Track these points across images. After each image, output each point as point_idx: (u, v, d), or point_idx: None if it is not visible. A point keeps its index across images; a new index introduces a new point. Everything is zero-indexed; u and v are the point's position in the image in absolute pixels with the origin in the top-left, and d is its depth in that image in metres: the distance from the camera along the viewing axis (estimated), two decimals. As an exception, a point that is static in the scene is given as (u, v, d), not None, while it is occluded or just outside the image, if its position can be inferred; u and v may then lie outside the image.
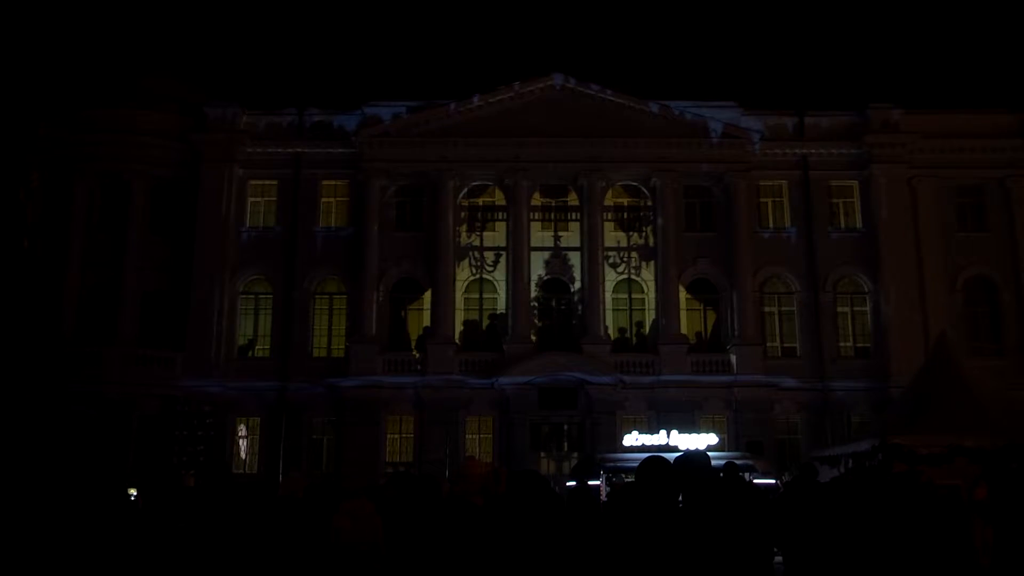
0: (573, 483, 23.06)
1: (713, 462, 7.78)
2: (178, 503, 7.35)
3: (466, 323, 34.82)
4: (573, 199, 35.22)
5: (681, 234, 34.36)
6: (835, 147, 34.95)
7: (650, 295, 34.59)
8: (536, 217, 35.10)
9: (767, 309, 34.65)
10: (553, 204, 35.49)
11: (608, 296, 34.38)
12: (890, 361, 32.67)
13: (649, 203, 34.97)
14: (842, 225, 35.08)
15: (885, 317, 33.43)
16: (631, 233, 35.10)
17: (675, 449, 25.59)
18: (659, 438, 28.03)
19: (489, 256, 34.89)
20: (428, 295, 34.18)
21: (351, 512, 7.06)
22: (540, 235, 35.07)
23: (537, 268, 34.68)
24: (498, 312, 34.64)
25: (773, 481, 22.90)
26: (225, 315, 33.78)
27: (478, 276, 34.89)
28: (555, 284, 34.92)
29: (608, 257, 34.54)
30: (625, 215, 35.40)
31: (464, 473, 6.63)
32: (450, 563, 5.37)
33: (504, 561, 4.95)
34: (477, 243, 35.05)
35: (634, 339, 34.56)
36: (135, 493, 12.15)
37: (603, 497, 21.31)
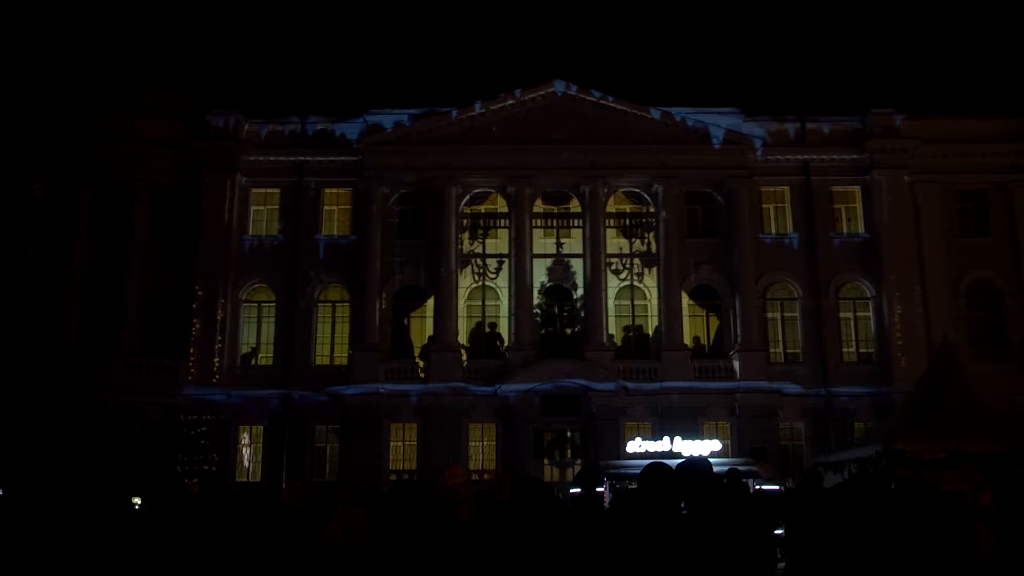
0: (577, 491, 23.04)
1: (716, 468, 7.77)
2: (182, 512, 7.32)
3: (469, 330, 34.82)
4: (575, 206, 35.25)
5: (683, 240, 34.36)
6: (837, 152, 34.99)
7: (652, 301, 34.59)
8: (538, 224, 35.14)
9: (770, 315, 34.64)
10: (555, 211, 35.53)
11: (611, 303, 34.39)
12: (893, 366, 32.65)
13: (651, 209, 34.99)
14: (844, 230, 35.08)
15: (888, 322, 33.41)
16: (633, 239, 35.12)
17: (678, 456, 25.53)
18: (662, 445, 27.98)
19: (491, 263, 34.92)
20: (431, 302, 34.18)
21: (343, 520, 7.05)
22: (542, 242, 35.10)
23: (539, 275, 34.69)
24: (500, 319, 34.65)
25: (777, 487, 22.84)
26: (228, 323, 33.80)
27: (480, 283, 34.90)
28: (557, 291, 34.93)
29: (610, 264, 34.56)
30: (627, 221, 35.42)
31: (446, 485, 6.61)
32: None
33: (501, 570, 4.93)
34: (479, 250, 35.07)
35: (636, 345, 34.53)
36: (139, 502, 12.10)
37: (606, 504, 21.25)
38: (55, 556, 6.92)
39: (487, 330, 34.84)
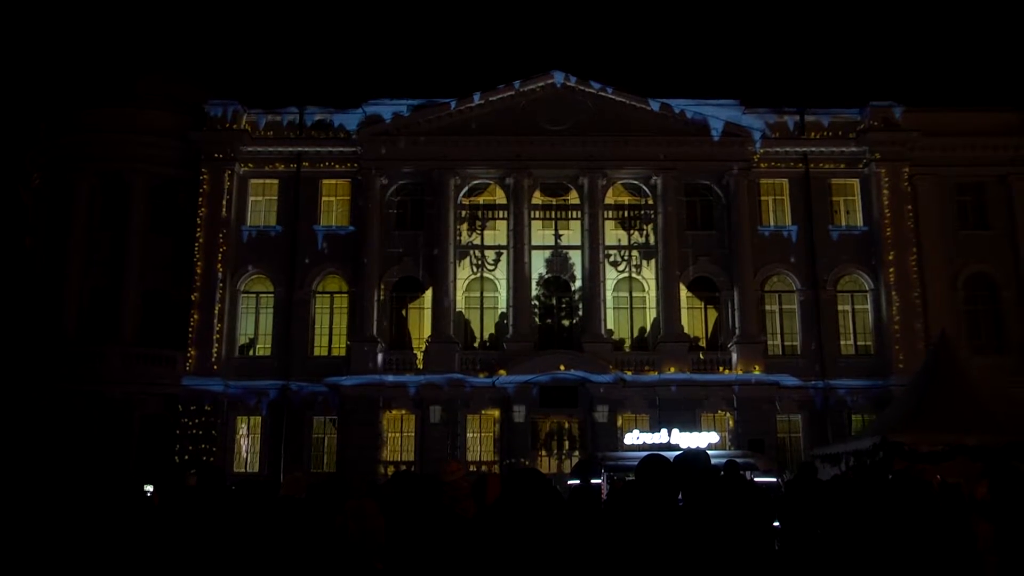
0: (576, 482, 23.13)
1: (714, 460, 7.80)
2: (190, 502, 7.33)
3: (467, 322, 34.85)
4: (574, 197, 35.22)
5: (682, 232, 34.35)
6: (836, 145, 34.94)
7: (651, 294, 34.60)
8: (537, 216, 35.11)
9: (768, 307, 34.65)
10: (554, 203, 35.50)
11: (609, 295, 34.40)
12: (891, 359, 32.70)
13: (650, 201, 34.97)
14: (843, 223, 35.07)
15: (886, 315, 33.43)
16: (632, 231, 35.10)
17: (676, 447, 25.63)
18: (660, 436, 28.08)
19: (490, 255, 34.91)
20: (429, 294, 34.18)
21: (355, 512, 7.04)
22: (541, 234, 35.08)
23: (538, 267, 34.70)
24: (499, 311, 34.66)
25: (774, 479, 22.92)
26: (226, 314, 33.79)
27: (479, 275, 34.91)
28: (556, 283, 34.95)
29: (609, 255, 34.56)
30: (626, 213, 35.40)
31: (446, 481, 6.58)
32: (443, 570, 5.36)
33: (501, 565, 4.94)
34: (478, 242, 35.05)
35: (635, 337, 34.56)
36: (151, 490, 12.16)
37: (604, 496, 21.31)
38: (68, 547, 6.91)
39: (485, 321, 34.86)
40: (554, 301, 34.99)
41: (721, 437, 30.26)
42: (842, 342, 34.28)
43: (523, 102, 34.87)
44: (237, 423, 33.57)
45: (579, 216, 34.84)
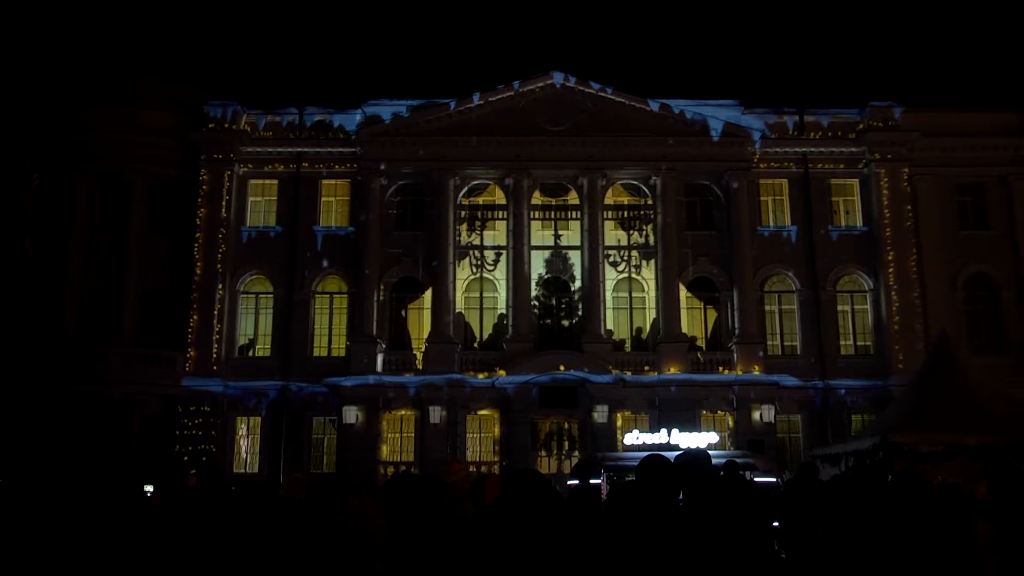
0: (575, 482, 23.11)
1: (714, 460, 7.80)
2: (190, 502, 7.33)
3: (467, 322, 34.84)
4: (573, 198, 35.22)
5: (681, 233, 34.35)
6: (836, 145, 34.93)
7: (650, 294, 34.59)
8: (536, 216, 35.11)
9: (767, 308, 34.64)
10: (553, 203, 35.50)
11: (608, 295, 34.40)
12: (891, 359, 32.69)
13: (649, 202, 34.96)
14: (842, 223, 35.07)
15: (886, 315, 33.43)
16: (631, 232, 35.09)
17: (676, 448, 25.60)
18: (660, 437, 28.04)
19: (490, 255, 34.91)
20: (429, 294, 34.18)
21: (355, 512, 7.04)
22: (540, 234, 35.08)
23: (537, 267, 34.70)
24: (499, 311, 34.66)
25: (774, 479, 22.90)
26: (226, 314, 33.79)
27: (479, 275, 34.91)
28: (556, 283, 34.95)
29: (608, 256, 34.56)
30: (625, 214, 35.40)
31: (448, 481, 6.57)
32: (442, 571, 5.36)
33: (500, 566, 4.94)
34: (477, 242, 35.05)
35: (634, 338, 34.56)
36: (151, 491, 12.16)
37: (604, 496, 21.29)
38: (68, 547, 6.90)
39: (485, 322, 34.86)
40: (554, 301, 34.99)
41: (721, 437, 30.25)
42: (842, 342, 34.28)
43: (523, 102, 34.86)
44: (237, 423, 33.56)
45: (579, 216, 34.84)
